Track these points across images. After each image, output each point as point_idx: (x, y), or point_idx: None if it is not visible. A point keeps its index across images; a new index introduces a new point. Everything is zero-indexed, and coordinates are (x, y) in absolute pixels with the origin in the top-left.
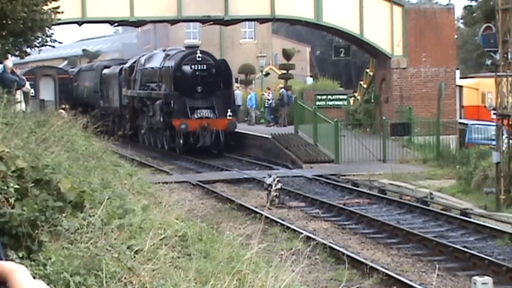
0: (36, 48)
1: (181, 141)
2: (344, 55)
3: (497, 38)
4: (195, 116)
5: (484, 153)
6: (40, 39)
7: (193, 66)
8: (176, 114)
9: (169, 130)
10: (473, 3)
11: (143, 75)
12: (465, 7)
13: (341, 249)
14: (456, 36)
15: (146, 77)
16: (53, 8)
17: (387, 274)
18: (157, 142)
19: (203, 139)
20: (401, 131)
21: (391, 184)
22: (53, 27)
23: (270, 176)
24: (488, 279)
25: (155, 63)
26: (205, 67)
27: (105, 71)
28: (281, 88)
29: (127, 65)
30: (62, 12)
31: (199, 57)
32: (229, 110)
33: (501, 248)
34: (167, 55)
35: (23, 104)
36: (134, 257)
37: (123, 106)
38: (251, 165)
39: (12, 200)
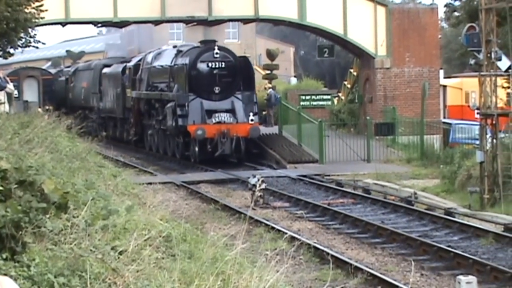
0: (20, 49)
1: (197, 149)
2: (328, 55)
3: (481, 37)
4: (212, 121)
5: (468, 152)
6: (23, 40)
7: (210, 64)
8: (191, 118)
9: (182, 136)
10: (457, 3)
11: (150, 74)
12: (446, 5)
13: (325, 249)
14: (439, 36)
15: (155, 77)
16: (37, 7)
17: (371, 274)
18: (167, 149)
19: (222, 147)
20: (385, 131)
21: (376, 184)
22: (36, 27)
23: (254, 176)
24: (472, 278)
25: (165, 60)
26: (223, 65)
27: (105, 70)
28: (269, 88)
29: (132, 63)
30: (46, 11)
31: (216, 53)
32: (251, 114)
33: (485, 247)
34: (179, 52)
35: (6, 105)
36: (118, 258)
37: (126, 108)
38: (235, 165)
39: None
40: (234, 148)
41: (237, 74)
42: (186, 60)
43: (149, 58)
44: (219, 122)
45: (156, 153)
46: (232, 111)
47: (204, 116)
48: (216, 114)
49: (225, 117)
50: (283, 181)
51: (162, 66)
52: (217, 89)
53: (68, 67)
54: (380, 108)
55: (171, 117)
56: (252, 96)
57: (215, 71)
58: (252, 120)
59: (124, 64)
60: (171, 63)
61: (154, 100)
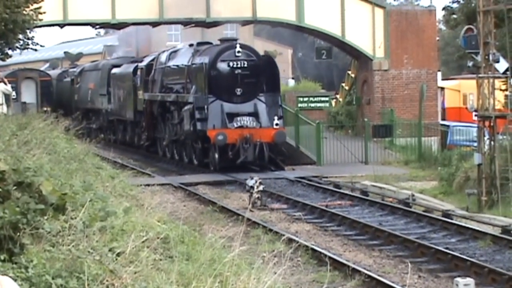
0: (18, 51)
1: (217, 156)
2: (326, 57)
3: (479, 39)
4: (234, 125)
5: (465, 154)
6: (21, 42)
7: (231, 64)
8: (211, 122)
9: (201, 141)
10: (455, 5)
11: (164, 75)
12: (444, 8)
13: (323, 251)
14: (437, 38)
15: (169, 77)
16: (35, 8)
17: (369, 276)
18: (183, 155)
19: (245, 153)
20: (383, 133)
21: (373, 185)
22: (34, 29)
23: (252, 178)
24: (470, 281)
25: (181, 60)
26: (246, 65)
27: (115, 70)
28: None
29: (144, 63)
30: (44, 13)
31: (238, 52)
32: (275, 118)
33: (483, 249)
34: (196, 51)
35: (4, 107)
36: (116, 259)
37: (137, 111)
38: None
39: None
40: (258, 155)
41: (260, 74)
42: (205, 59)
43: (163, 57)
44: (241, 127)
45: (170, 159)
46: (255, 114)
47: (224, 120)
48: (238, 118)
49: (247, 121)
50: (281, 183)
51: (177, 66)
52: (238, 91)
53: (74, 67)
54: (378, 110)
55: (188, 121)
56: (276, 98)
57: (236, 71)
58: (277, 124)
59: (136, 64)
60: (188, 62)
61: (169, 103)
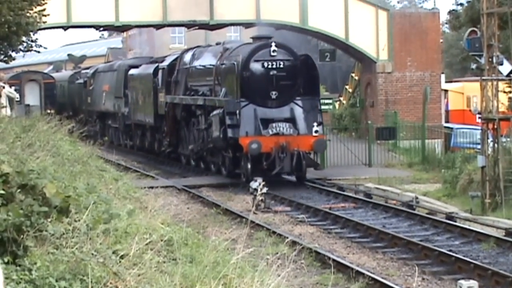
0: (21, 53)
1: (249, 166)
2: (329, 60)
3: (482, 42)
4: (269, 132)
5: (469, 157)
6: (25, 44)
7: (266, 64)
8: (244, 128)
9: (232, 150)
10: (459, 8)
11: (189, 75)
12: (449, 12)
13: (327, 254)
14: (441, 40)
15: (195, 79)
16: (39, 11)
17: (373, 278)
18: (210, 165)
19: (281, 164)
20: (386, 135)
21: (377, 188)
22: (38, 31)
23: (256, 180)
24: (473, 283)
25: (208, 60)
26: (282, 65)
27: (133, 71)
28: None
29: (165, 63)
30: (48, 15)
31: (274, 51)
32: (315, 124)
33: (486, 252)
34: (225, 50)
35: (8, 109)
36: (120, 262)
37: (159, 115)
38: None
39: None
40: (295, 166)
41: (298, 76)
42: (236, 59)
43: (187, 57)
44: (276, 134)
45: (195, 168)
46: (291, 120)
47: (258, 127)
48: (273, 124)
49: (284, 127)
50: (284, 186)
51: (204, 66)
52: (274, 94)
53: (87, 68)
54: (382, 113)
55: (217, 127)
56: (315, 102)
57: (271, 72)
58: (316, 131)
59: (156, 65)
60: (217, 62)
61: (194, 106)
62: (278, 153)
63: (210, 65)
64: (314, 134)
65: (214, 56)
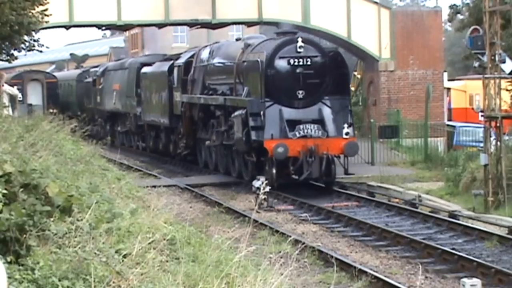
0: (23, 52)
1: (274, 171)
2: None
3: (485, 40)
4: (296, 134)
5: (472, 155)
6: (27, 43)
7: (292, 61)
8: (269, 131)
9: (255, 154)
10: (460, 5)
11: (207, 73)
12: (450, 7)
13: (329, 252)
14: (443, 39)
15: (213, 77)
16: (41, 11)
17: (375, 277)
18: (230, 168)
19: (309, 168)
20: (389, 133)
21: (380, 186)
22: (40, 31)
23: (258, 179)
24: (476, 281)
25: (229, 56)
26: (309, 62)
27: (145, 69)
28: None
29: (181, 60)
30: (50, 15)
31: (300, 47)
32: (345, 125)
33: (489, 250)
34: (247, 46)
35: (10, 109)
36: (123, 261)
37: (174, 116)
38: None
39: (0, 205)
40: (324, 170)
41: (326, 74)
42: (260, 56)
43: (204, 54)
44: (304, 136)
45: (214, 171)
46: (320, 121)
47: (284, 129)
48: (301, 126)
49: (312, 129)
50: (287, 184)
51: (223, 63)
52: (300, 93)
53: (96, 67)
54: (384, 111)
55: (240, 129)
56: (345, 102)
57: (298, 70)
58: (347, 133)
59: (171, 62)
60: (238, 59)
61: (213, 107)
62: (306, 157)
63: (230, 62)
64: (344, 136)
65: (234, 53)
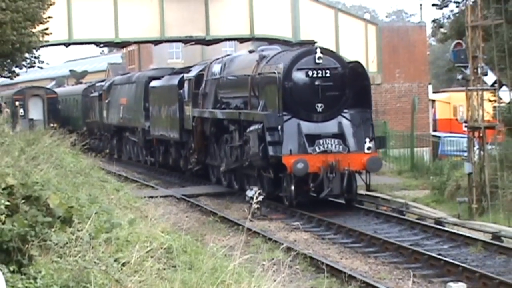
0: (25, 69)
1: (293, 188)
2: None
3: (467, 53)
4: (316, 150)
5: (456, 164)
6: (28, 60)
7: (310, 73)
8: (287, 146)
9: (272, 170)
10: (445, 21)
11: (219, 87)
12: (433, 21)
13: (320, 259)
14: (428, 53)
15: (226, 90)
16: (42, 30)
17: (365, 282)
18: (244, 185)
19: (330, 185)
20: (377, 144)
21: (368, 195)
22: (40, 48)
23: (252, 189)
24: (462, 285)
25: (242, 69)
26: (328, 74)
27: (154, 83)
28: None
29: (192, 74)
30: (50, 34)
31: (319, 58)
32: (367, 140)
33: (474, 255)
34: (262, 58)
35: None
36: (121, 269)
37: (185, 130)
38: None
39: (2, 217)
40: (346, 187)
41: (346, 86)
42: (277, 68)
43: (216, 67)
44: (324, 152)
45: (227, 188)
46: (340, 135)
47: (303, 144)
48: (320, 141)
49: (332, 144)
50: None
51: (237, 76)
52: (319, 106)
53: (102, 81)
54: None
55: (256, 144)
56: (367, 115)
57: (317, 82)
58: (369, 148)
59: (181, 75)
60: (253, 72)
61: (227, 121)
62: (327, 173)
63: (245, 75)
64: (366, 151)
65: (248, 65)
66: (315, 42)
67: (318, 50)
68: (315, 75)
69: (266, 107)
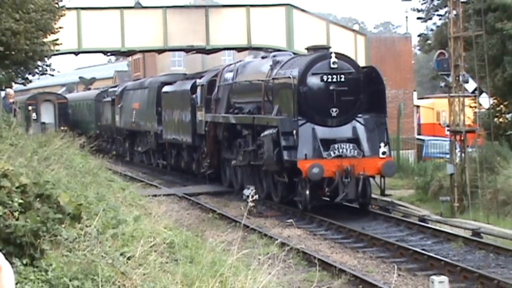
0: (37, 76)
1: (308, 192)
2: None
3: (450, 63)
4: (331, 154)
5: (439, 165)
6: (40, 68)
7: (325, 77)
8: (302, 150)
9: (287, 174)
10: (429, 33)
11: (232, 92)
12: (419, 35)
13: (312, 253)
14: (413, 62)
15: (239, 95)
16: (52, 40)
17: (354, 275)
18: (258, 189)
19: (345, 190)
20: None
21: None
22: (52, 57)
23: (248, 188)
24: (444, 278)
25: (255, 74)
26: (343, 79)
27: (166, 88)
28: None
29: (204, 79)
30: (60, 44)
31: (334, 62)
32: (382, 144)
33: (455, 250)
34: (276, 63)
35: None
36: (127, 262)
37: (197, 135)
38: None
39: (16, 213)
40: (361, 192)
41: (360, 90)
42: (292, 73)
43: (229, 72)
44: (339, 156)
45: (239, 191)
46: (355, 140)
47: (318, 148)
48: (335, 146)
49: (347, 149)
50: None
51: (250, 81)
52: (334, 111)
53: (114, 86)
54: None
55: (270, 148)
56: (381, 120)
57: (331, 87)
58: (384, 152)
59: (193, 81)
60: (268, 76)
61: (240, 126)
62: (342, 178)
63: (258, 80)
64: (381, 156)
65: (262, 70)
66: (330, 47)
67: (333, 55)
68: (330, 80)
69: (281, 111)
